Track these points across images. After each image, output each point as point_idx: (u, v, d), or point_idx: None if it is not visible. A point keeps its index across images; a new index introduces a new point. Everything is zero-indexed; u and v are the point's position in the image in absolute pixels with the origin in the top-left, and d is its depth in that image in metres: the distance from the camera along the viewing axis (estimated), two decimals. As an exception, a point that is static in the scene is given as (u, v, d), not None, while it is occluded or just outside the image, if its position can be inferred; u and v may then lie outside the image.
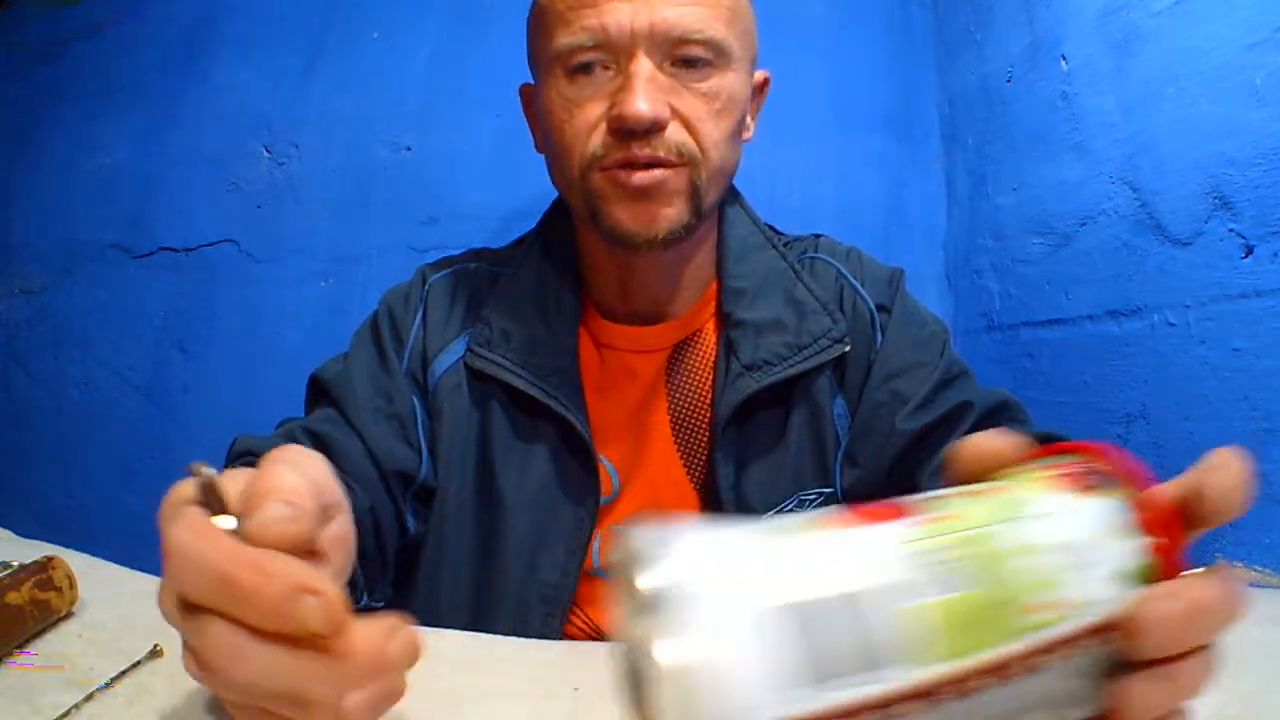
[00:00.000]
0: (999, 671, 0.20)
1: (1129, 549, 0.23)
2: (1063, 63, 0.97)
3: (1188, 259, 0.78)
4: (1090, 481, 0.24)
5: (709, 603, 0.18)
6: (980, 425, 0.61)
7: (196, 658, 0.25)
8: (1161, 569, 0.23)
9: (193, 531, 0.25)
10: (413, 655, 0.27)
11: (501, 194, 1.19)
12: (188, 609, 0.25)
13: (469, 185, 1.19)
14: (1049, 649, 0.21)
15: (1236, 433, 0.72)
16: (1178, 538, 0.23)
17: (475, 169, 1.19)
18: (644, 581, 0.18)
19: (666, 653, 0.17)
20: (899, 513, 0.22)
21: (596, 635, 0.61)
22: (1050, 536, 0.22)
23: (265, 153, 1.20)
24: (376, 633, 0.26)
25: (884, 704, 0.19)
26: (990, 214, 1.14)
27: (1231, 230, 0.73)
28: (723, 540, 0.20)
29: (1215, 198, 0.74)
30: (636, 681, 0.20)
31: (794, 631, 0.18)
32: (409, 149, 1.19)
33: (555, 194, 0.71)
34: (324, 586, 0.24)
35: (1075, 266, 0.95)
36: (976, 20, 1.17)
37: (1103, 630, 0.22)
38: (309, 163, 1.19)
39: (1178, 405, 0.79)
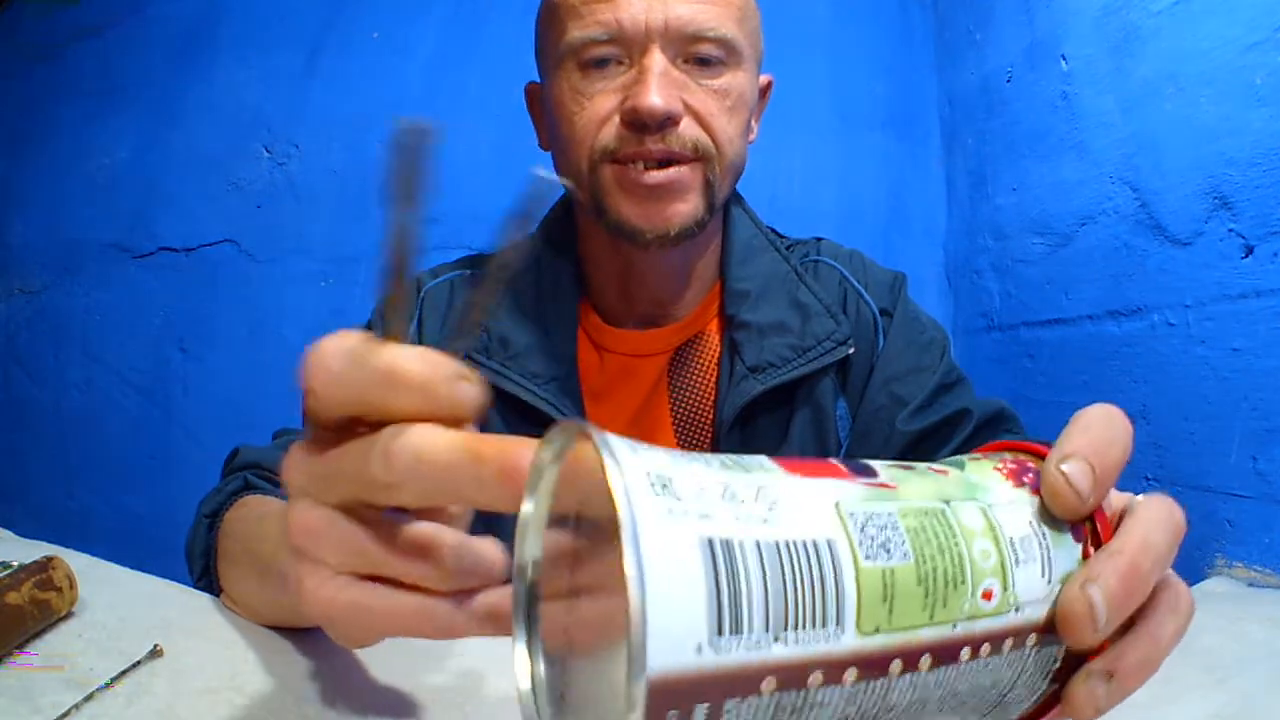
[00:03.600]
0: (941, 652, 0.20)
1: (1070, 553, 0.23)
2: (1063, 63, 0.97)
3: (1188, 259, 0.78)
4: (1030, 479, 0.24)
5: (658, 536, 0.17)
6: (978, 433, 0.61)
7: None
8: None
9: (339, 340, 0.24)
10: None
11: (502, 194, 1.18)
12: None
13: (469, 185, 1.19)
14: (995, 638, 0.21)
15: (1236, 432, 0.72)
16: (1105, 526, 0.24)
17: (475, 169, 1.19)
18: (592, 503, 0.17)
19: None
20: (835, 472, 0.21)
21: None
22: (1007, 528, 0.22)
23: (265, 153, 1.20)
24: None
25: (803, 667, 0.18)
26: (990, 214, 1.14)
27: (1231, 230, 0.73)
28: (669, 468, 0.19)
29: (1215, 198, 0.74)
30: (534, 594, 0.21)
31: (725, 574, 0.17)
32: (409, 149, 1.19)
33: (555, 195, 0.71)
34: (473, 375, 0.23)
35: (1075, 266, 0.95)
36: (976, 20, 1.17)
37: (1041, 629, 0.22)
38: (309, 163, 1.19)
39: (1178, 405, 0.79)
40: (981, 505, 0.22)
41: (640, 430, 0.65)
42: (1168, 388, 0.80)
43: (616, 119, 0.56)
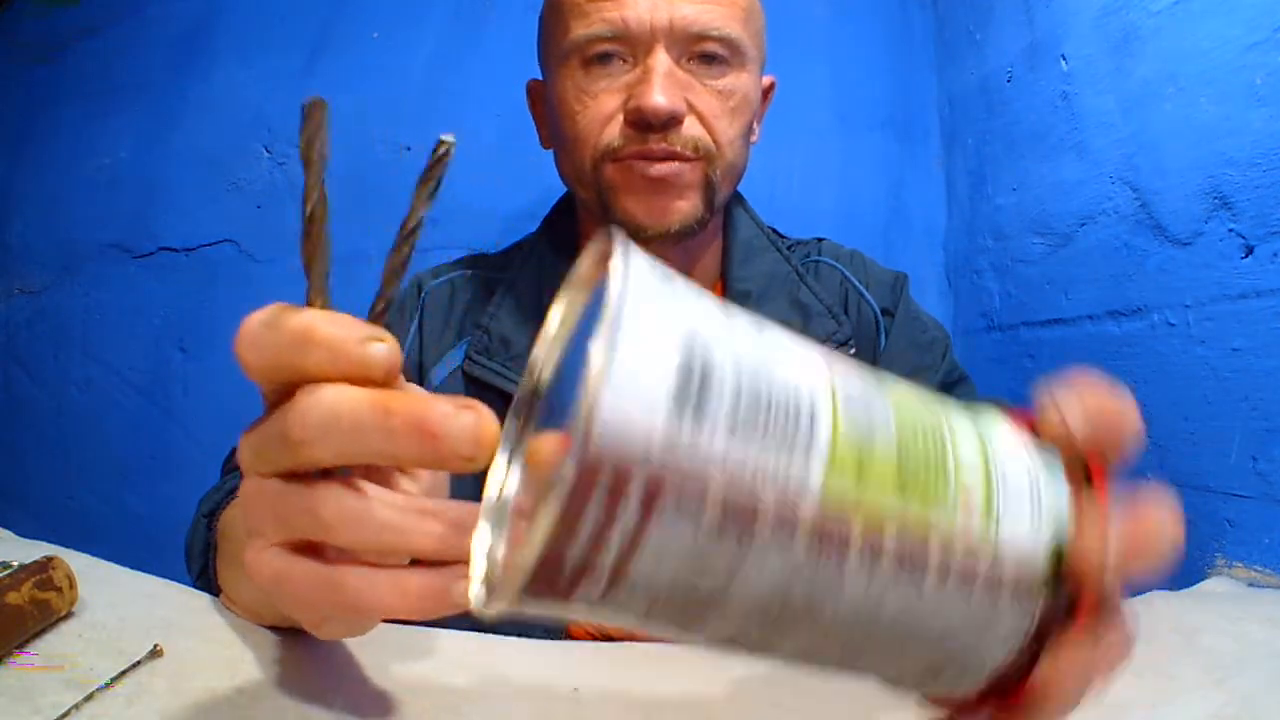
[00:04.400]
0: (906, 551, 0.18)
1: (1060, 491, 0.21)
2: (1063, 63, 0.97)
3: (1188, 259, 0.78)
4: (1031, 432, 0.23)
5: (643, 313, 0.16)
6: None
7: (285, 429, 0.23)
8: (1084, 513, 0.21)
9: (264, 310, 0.24)
10: (480, 440, 0.23)
11: (502, 194, 1.19)
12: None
13: (469, 185, 1.19)
14: (968, 569, 0.19)
15: (1236, 432, 0.72)
16: (1101, 480, 0.22)
17: (475, 169, 1.19)
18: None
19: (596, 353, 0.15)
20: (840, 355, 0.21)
21: (598, 635, 0.61)
22: (999, 452, 0.21)
23: (265, 153, 1.20)
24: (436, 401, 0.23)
25: (751, 500, 0.16)
26: (990, 214, 1.14)
27: (1231, 230, 0.73)
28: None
29: (1215, 198, 0.74)
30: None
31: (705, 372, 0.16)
32: (409, 149, 1.19)
33: (556, 195, 0.71)
34: (387, 336, 0.23)
35: (1075, 266, 0.95)
36: (976, 20, 1.17)
37: (1019, 580, 0.20)
38: (309, 163, 1.19)
39: (1178, 405, 0.79)
40: (978, 429, 0.21)
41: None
42: (1168, 388, 0.80)
43: (620, 118, 0.56)
